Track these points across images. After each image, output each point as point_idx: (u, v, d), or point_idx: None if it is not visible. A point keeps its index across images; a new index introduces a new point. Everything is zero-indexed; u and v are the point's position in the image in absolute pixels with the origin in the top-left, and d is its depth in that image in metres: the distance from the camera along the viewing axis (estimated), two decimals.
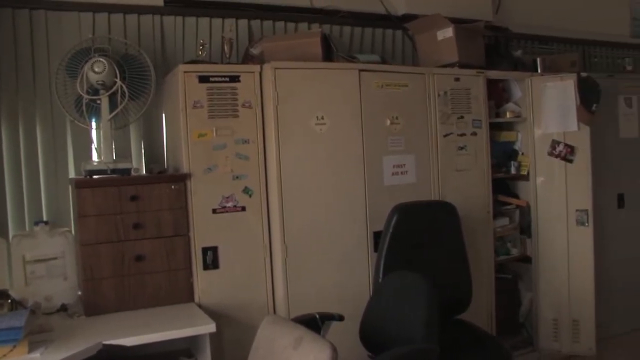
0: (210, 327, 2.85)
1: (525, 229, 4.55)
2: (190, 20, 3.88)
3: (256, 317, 2.97)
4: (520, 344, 4.56)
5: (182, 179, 3.24)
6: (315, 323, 2.92)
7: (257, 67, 3.42)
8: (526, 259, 4.56)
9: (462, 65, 4.13)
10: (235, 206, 3.35)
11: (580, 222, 4.30)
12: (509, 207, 4.55)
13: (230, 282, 3.33)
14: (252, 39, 4.01)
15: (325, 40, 3.78)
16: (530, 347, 4.52)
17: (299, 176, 3.44)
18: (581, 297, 4.34)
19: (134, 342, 2.66)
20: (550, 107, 4.33)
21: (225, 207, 3.32)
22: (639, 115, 5.11)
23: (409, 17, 4.49)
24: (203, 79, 3.27)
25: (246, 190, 3.37)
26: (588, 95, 4.27)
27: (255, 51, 3.76)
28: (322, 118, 3.49)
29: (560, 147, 4.31)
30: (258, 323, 2.53)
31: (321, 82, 3.52)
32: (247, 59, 3.76)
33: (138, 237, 3.14)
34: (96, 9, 3.60)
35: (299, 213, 3.43)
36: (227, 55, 3.60)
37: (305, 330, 2.33)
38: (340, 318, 3.05)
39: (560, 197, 4.35)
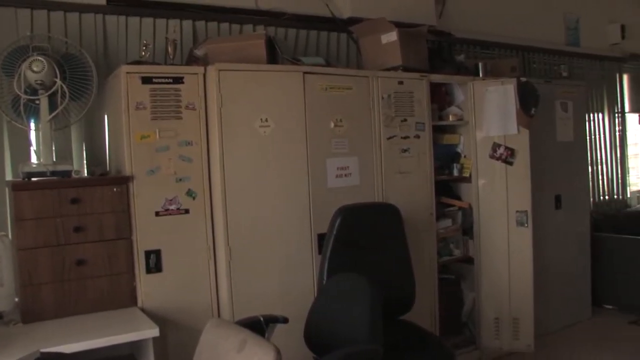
0: (154, 331, 2.81)
1: (467, 230, 4.62)
2: (134, 20, 3.82)
3: (200, 320, 2.92)
4: (463, 343, 4.63)
5: (124, 181, 3.18)
6: (259, 326, 2.90)
7: (201, 69, 3.39)
8: (468, 260, 4.63)
9: (406, 69, 4.18)
10: (178, 209, 3.31)
11: (520, 223, 4.41)
12: (451, 208, 4.62)
13: (174, 285, 3.29)
14: (197, 40, 3.98)
15: (270, 43, 3.78)
16: (472, 346, 4.59)
17: (242, 178, 3.42)
18: (521, 296, 4.44)
19: (74, 349, 2.59)
20: (491, 110, 4.42)
21: (168, 209, 3.28)
22: (575, 120, 5.29)
23: (354, 21, 4.51)
24: (146, 80, 3.22)
25: (189, 193, 3.34)
26: (527, 100, 4.37)
27: (199, 52, 3.72)
28: (266, 120, 3.48)
29: (501, 150, 4.40)
30: (202, 326, 2.50)
31: (265, 85, 3.51)
32: (191, 60, 3.73)
33: (79, 240, 3.07)
34: (35, 5, 3.49)
35: (242, 215, 3.42)
36: (171, 57, 3.56)
37: (249, 333, 2.31)
38: (285, 320, 3.04)
39: (501, 199, 4.44)
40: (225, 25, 4.15)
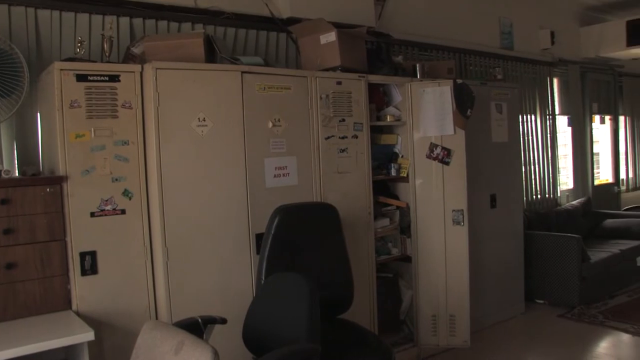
0: (88, 335, 2.76)
1: (405, 229, 4.69)
2: (68, 16, 3.71)
3: (138, 322, 2.90)
4: (402, 340, 4.72)
5: (58, 181, 3.11)
6: (197, 327, 2.89)
7: (137, 67, 3.33)
8: (406, 258, 4.70)
9: (345, 70, 4.21)
10: (114, 209, 3.25)
11: (456, 222, 4.50)
12: (389, 208, 4.67)
13: (110, 287, 3.23)
14: (134, 38, 3.90)
15: (209, 41, 3.75)
16: (411, 343, 4.67)
17: (180, 178, 3.39)
18: (457, 293, 4.54)
19: (4, 357, 2.52)
20: (428, 111, 4.50)
21: (104, 210, 3.22)
22: (509, 121, 5.43)
23: (293, 21, 4.52)
24: (81, 78, 3.15)
25: (126, 193, 3.28)
26: (463, 101, 4.47)
27: (136, 50, 3.66)
28: (204, 120, 3.46)
29: (438, 150, 4.49)
30: (140, 329, 2.48)
31: (203, 84, 3.48)
32: (128, 58, 3.67)
33: (9, 243, 2.98)
34: None
35: (180, 216, 3.39)
36: (107, 54, 3.48)
37: (187, 334, 2.30)
38: (223, 321, 3.04)
39: (437, 198, 4.53)
40: (163, 23, 4.09)
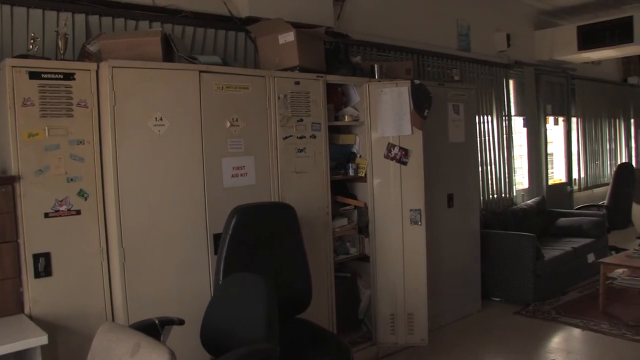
0: (42, 339, 2.71)
1: (363, 228, 4.71)
2: (20, 11, 3.62)
3: (94, 325, 2.84)
4: (360, 339, 4.74)
5: (9, 181, 3.03)
6: (154, 328, 2.87)
7: (93, 65, 3.28)
8: (364, 258, 4.73)
9: (303, 70, 4.21)
10: (69, 210, 3.19)
11: (414, 222, 4.55)
12: (347, 207, 4.69)
13: (65, 289, 3.17)
14: (90, 35, 3.83)
15: (166, 40, 3.72)
16: (369, 342, 4.70)
17: (136, 178, 3.35)
18: (415, 292, 4.59)
19: None
20: (386, 111, 4.53)
21: (58, 210, 3.15)
22: (466, 122, 5.51)
23: (252, 20, 4.50)
24: (34, 75, 3.08)
25: (81, 193, 3.23)
26: (421, 101, 4.51)
27: (92, 48, 3.60)
28: (161, 119, 3.42)
29: (396, 150, 4.52)
30: (95, 332, 2.45)
31: (160, 83, 3.44)
32: (84, 56, 3.60)
33: None
34: None
35: (137, 216, 3.35)
36: (62, 51, 3.42)
37: (143, 336, 2.28)
38: (181, 322, 3.02)
39: (395, 198, 4.56)
40: (120, 21, 4.03)
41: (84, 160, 3.24)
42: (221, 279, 3.29)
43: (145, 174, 3.39)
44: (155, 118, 3.41)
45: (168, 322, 2.97)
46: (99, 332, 2.44)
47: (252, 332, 2.78)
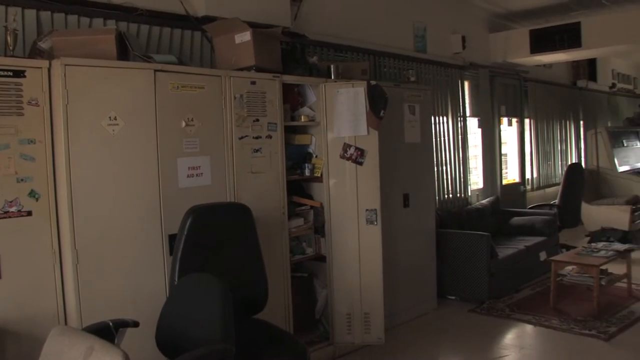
0: None
1: (319, 228, 4.72)
2: None
3: (45, 329, 2.74)
4: (317, 339, 4.75)
5: None
6: (109, 331, 2.84)
7: (45, 63, 3.21)
8: (321, 258, 4.74)
9: (259, 69, 4.20)
10: (19, 211, 3.12)
11: (370, 221, 4.57)
12: (303, 207, 4.69)
13: (15, 293, 3.09)
14: (41, 32, 3.75)
15: (121, 38, 3.66)
16: (326, 342, 4.70)
17: (90, 179, 3.29)
18: (371, 291, 4.61)
19: None
20: (342, 112, 4.54)
21: (8, 212, 3.08)
22: (421, 122, 5.57)
23: (208, 19, 4.47)
24: None
25: (32, 194, 3.16)
26: (377, 102, 4.54)
27: (44, 45, 3.52)
28: (115, 119, 3.38)
29: (352, 151, 4.54)
30: (47, 336, 2.40)
31: (115, 82, 3.40)
32: (35, 53, 3.51)
33: None
34: None
35: (90, 217, 3.29)
36: (11, 48, 3.33)
37: (96, 339, 2.26)
38: (136, 324, 2.99)
39: (351, 198, 4.58)
40: (73, 18, 3.93)
41: (35, 160, 3.17)
42: (176, 279, 3.27)
43: (99, 174, 3.34)
44: (110, 117, 3.36)
45: (122, 325, 2.94)
46: (50, 336, 2.40)
47: (208, 332, 2.77)
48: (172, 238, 3.54)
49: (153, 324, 3.04)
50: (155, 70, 3.59)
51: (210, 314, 2.80)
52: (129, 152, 3.45)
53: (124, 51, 3.66)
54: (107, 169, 3.37)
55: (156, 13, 4.35)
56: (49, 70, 3.21)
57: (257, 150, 4.12)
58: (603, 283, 5.60)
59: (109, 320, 2.89)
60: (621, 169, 9.61)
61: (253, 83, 4.12)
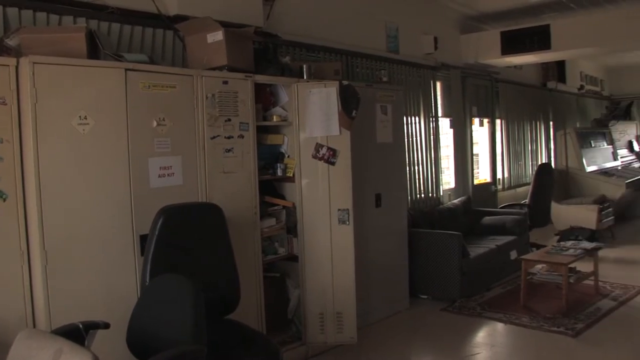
0: None
1: (291, 228, 4.72)
2: None
3: (12, 333, 2.73)
4: (290, 339, 4.76)
5: None
6: (79, 333, 2.81)
7: (12, 60, 3.16)
8: (293, 258, 4.73)
9: (231, 69, 4.19)
10: None
11: (342, 221, 4.59)
12: (275, 207, 4.69)
13: None
14: (9, 29, 3.68)
15: (91, 37, 3.62)
16: (299, 341, 4.70)
17: (59, 178, 3.25)
18: (343, 291, 4.62)
19: None
20: (314, 112, 4.55)
21: None
22: (393, 122, 5.60)
23: (180, 18, 4.44)
24: None
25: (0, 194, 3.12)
26: (349, 102, 4.55)
27: (11, 42, 3.46)
28: (85, 118, 3.34)
29: (324, 151, 4.55)
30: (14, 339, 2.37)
31: (85, 80, 3.35)
32: (2, 50, 3.45)
33: None
34: None
35: (60, 217, 3.25)
36: None
37: (65, 342, 2.24)
38: (106, 326, 2.96)
39: (323, 198, 4.59)
40: (42, 15, 3.87)
41: (3, 159, 3.13)
42: (148, 280, 3.25)
43: (69, 174, 3.30)
44: (80, 117, 3.32)
45: (93, 326, 2.90)
46: (17, 339, 2.37)
47: (180, 333, 2.76)
48: (143, 238, 3.51)
49: (124, 325, 3.02)
50: (126, 70, 3.56)
51: (182, 315, 2.79)
52: (99, 151, 3.41)
53: (94, 50, 3.62)
54: (76, 168, 3.33)
55: (127, 11, 4.31)
56: (17, 68, 3.16)
57: (229, 150, 4.11)
58: (571, 281, 5.69)
59: (79, 322, 2.86)
60: (589, 169, 9.77)
61: (225, 83, 4.10)
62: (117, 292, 3.47)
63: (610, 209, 8.92)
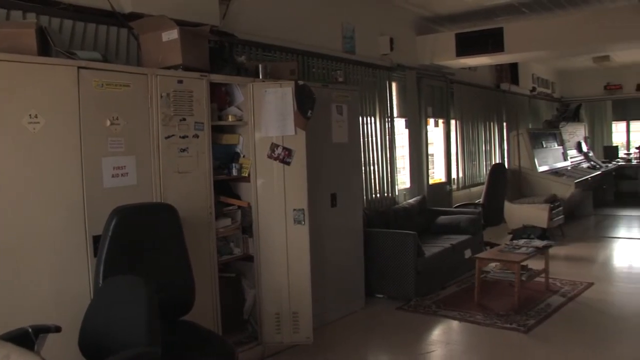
0: None
1: (247, 228, 4.71)
2: None
3: None
4: (246, 339, 4.74)
5: None
6: (28, 338, 2.74)
7: None
8: (249, 258, 4.72)
9: (186, 68, 4.16)
10: None
11: (298, 221, 4.59)
12: (231, 207, 4.67)
13: None
14: None
15: (42, 33, 3.55)
16: (255, 342, 4.69)
17: (8, 178, 3.19)
18: (299, 291, 4.63)
19: None
20: (270, 111, 4.55)
21: None
22: (349, 123, 5.63)
23: (135, 16, 4.38)
24: None
25: None
26: (304, 102, 4.56)
27: None
28: (36, 116, 3.27)
29: (279, 150, 4.55)
30: None
31: (36, 78, 3.30)
32: None
33: None
34: None
35: (9, 218, 3.18)
36: None
37: (13, 347, 2.19)
38: (57, 329, 2.90)
39: (279, 198, 4.59)
40: None
41: None
42: (101, 281, 3.20)
43: (19, 174, 3.24)
44: (30, 115, 3.26)
45: (43, 330, 2.84)
46: None
47: (133, 335, 2.72)
48: (96, 239, 3.46)
49: (76, 328, 2.96)
50: (79, 67, 3.50)
51: (135, 316, 2.75)
52: (51, 151, 3.36)
53: (45, 47, 3.55)
54: (27, 168, 3.26)
55: (80, 8, 4.22)
56: None
57: (183, 150, 4.08)
58: (523, 278, 5.80)
59: (28, 326, 2.79)
60: (541, 169, 9.99)
61: (180, 82, 4.07)
62: (69, 295, 3.41)
63: (560, 208, 9.17)
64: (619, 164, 13.57)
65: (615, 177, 13.49)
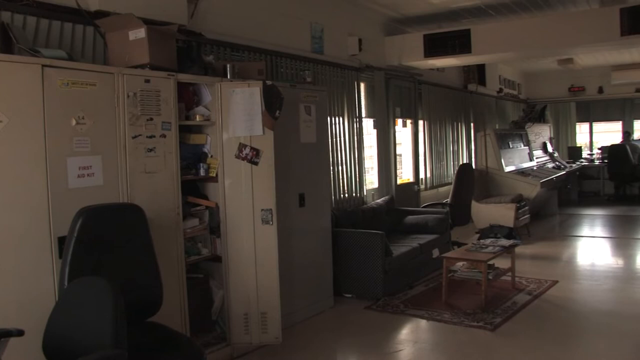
0: None
1: (214, 229, 4.70)
2: None
3: None
4: (214, 340, 4.73)
5: None
6: None
7: None
8: (217, 258, 4.71)
9: (154, 67, 4.12)
10: None
11: (265, 221, 4.58)
12: (198, 208, 4.65)
13: None
14: None
15: (4, 30, 3.51)
16: (223, 342, 4.68)
17: None
18: (268, 291, 4.63)
19: None
20: (238, 111, 4.53)
21: None
22: (317, 123, 5.64)
23: (101, 14, 4.32)
24: None
25: None
26: (272, 102, 4.56)
27: None
28: None
29: (247, 151, 4.54)
30: None
31: None
32: None
33: None
34: None
35: None
36: None
37: None
38: (20, 333, 2.87)
39: (246, 198, 4.58)
40: None
41: None
42: (66, 283, 3.16)
43: None
44: None
45: (4, 334, 2.82)
46: None
47: (99, 338, 2.69)
48: (62, 241, 3.41)
49: (40, 331, 2.91)
50: (43, 66, 3.45)
51: (101, 319, 2.72)
52: (13, 150, 3.30)
53: (7, 44, 3.50)
54: None
55: (45, 4, 4.15)
56: None
57: (150, 150, 4.04)
58: (490, 277, 5.88)
59: None
60: (507, 169, 10.12)
61: (147, 81, 4.03)
62: (32, 297, 3.36)
63: (526, 208, 9.31)
64: (583, 164, 13.85)
65: (579, 177, 13.76)
